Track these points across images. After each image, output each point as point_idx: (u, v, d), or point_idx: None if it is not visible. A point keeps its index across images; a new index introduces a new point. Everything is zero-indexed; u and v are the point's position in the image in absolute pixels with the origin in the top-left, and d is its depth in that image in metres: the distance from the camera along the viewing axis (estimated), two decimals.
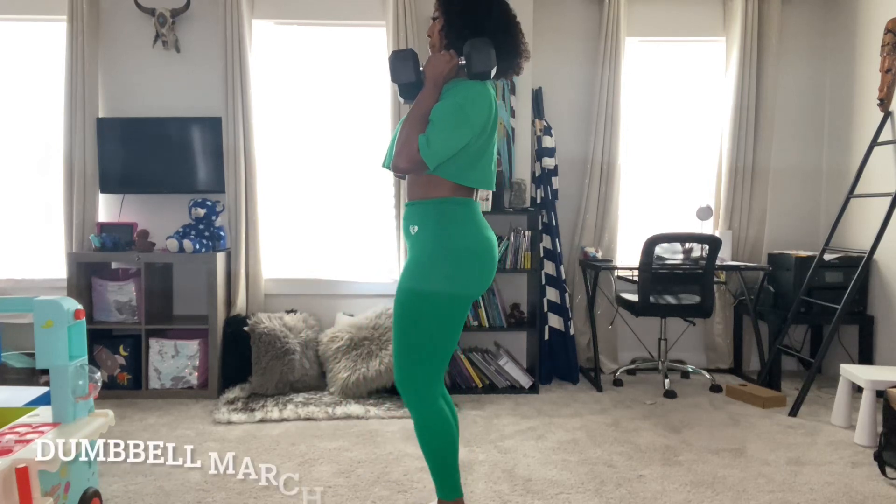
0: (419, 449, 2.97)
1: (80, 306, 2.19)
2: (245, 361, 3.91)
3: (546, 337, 4.19)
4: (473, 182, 2.03)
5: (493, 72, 1.99)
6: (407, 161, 1.93)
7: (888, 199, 3.73)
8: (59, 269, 4.17)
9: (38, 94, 4.24)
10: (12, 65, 4.24)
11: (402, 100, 2.18)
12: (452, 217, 2.01)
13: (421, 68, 2.06)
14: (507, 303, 4.26)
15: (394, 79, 2.09)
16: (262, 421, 3.39)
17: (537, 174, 4.29)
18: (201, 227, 3.98)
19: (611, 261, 4.32)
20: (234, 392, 3.77)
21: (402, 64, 2.06)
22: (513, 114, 4.22)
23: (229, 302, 4.08)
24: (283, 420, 3.41)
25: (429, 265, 1.99)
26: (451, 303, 2.00)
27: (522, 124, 4.24)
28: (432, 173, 1.99)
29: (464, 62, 1.97)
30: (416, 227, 2.03)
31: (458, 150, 1.95)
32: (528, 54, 2.11)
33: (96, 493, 2.20)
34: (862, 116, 4.25)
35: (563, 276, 4.24)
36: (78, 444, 2.02)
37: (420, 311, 1.99)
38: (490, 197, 4.00)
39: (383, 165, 2.19)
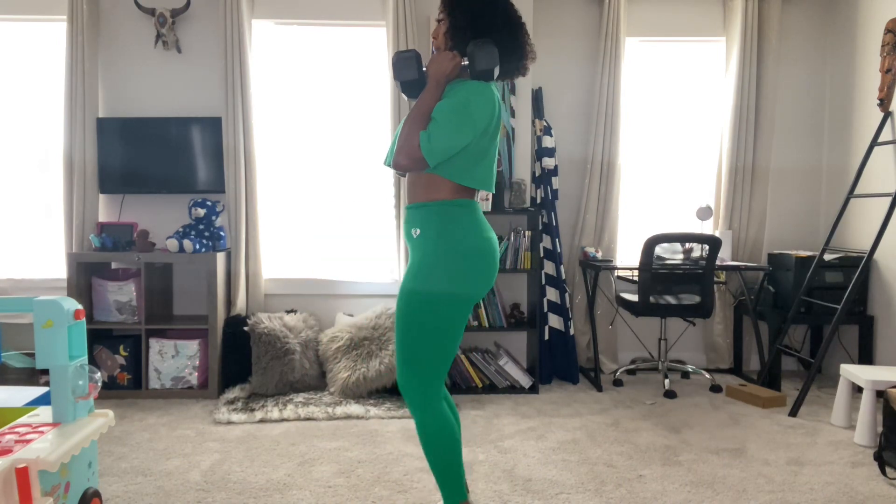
0: (419, 449, 2.99)
1: (80, 306, 2.20)
2: (245, 361, 3.92)
3: (546, 337, 4.19)
4: (474, 182, 2.02)
5: (496, 72, 1.99)
6: (407, 158, 1.92)
7: (888, 199, 3.74)
8: (59, 269, 4.18)
9: (38, 94, 4.25)
10: (12, 65, 4.24)
11: (405, 97, 2.19)
12: (454, 219, 2.00)
13: (424, 68, 2.07)
14: (507, 303, 4.26)
15: (396, 77, 2.10)
16: (262, 421, 3.40)
17: (537, 174, 4.29)
18: (201, 227, 3.98)
19: (611, 261, 4.32)
20: (234, 392, 3.78)
21: (405, 63, 2.08)
22: (513, 114, 4.22)
23: (229, 302, 4.08)
24: (283, 420, 3.41)
25: (432, 267, 1.98)
26: (454, 303, 1.99)
27: (522, 124, 4.24)
28: (433, 172, 1.99)
29: (467, 62, 1.99)
30: (418, 230, 2.02)
31: (460, 150, 1.95)
32: (534, 55, 2.12)
33: (96, 493, 2.19)
34: (862, 116, 4.25)
35: (563, 276, 4.24)
36: (78, 445, 2.03)
37: (423, 311, 1.97)
38: (490, 197, 4.01)
39: (384, 163, 2.19)
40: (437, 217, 2.00)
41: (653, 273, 3.92)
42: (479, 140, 1.98)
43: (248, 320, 3.92)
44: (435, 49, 2.13)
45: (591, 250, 4.30)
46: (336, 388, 3.76)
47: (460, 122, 1.91)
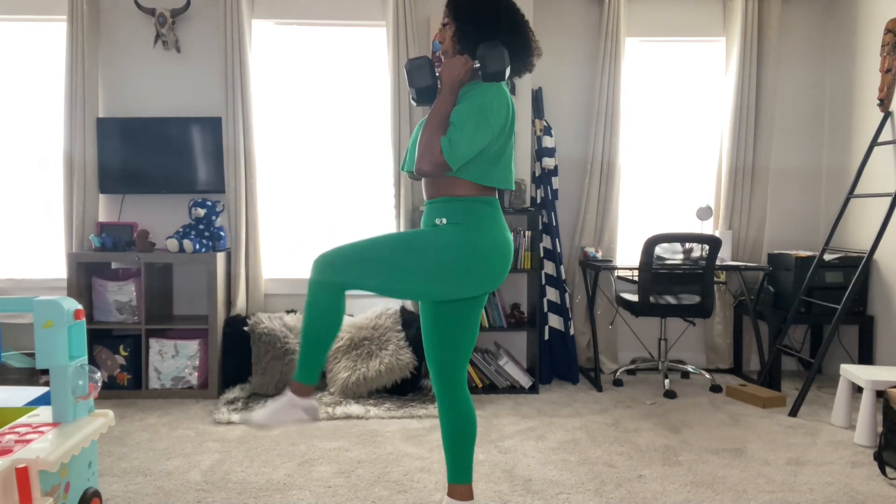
0: (419, 449, 2.99)
1: (80, 306, 2.19)
2: (245, 361, 3.91)
3: (546, 337, 4.19)
4: (494, 182, 2.05)
5: (507, 72, 2.02)
6: (430, 164, 1.95)
7: (888, 199, 3.74)
8: (59, 269, 4.18)
9: (38, 94, 4.25)
10: (12, 65, 4.24)
11: (414, 103, 2.24)
12: (479, 215, 2.02)
13: (437, 73, 2.11)
14: (507, 303, 4.26)
15: (412, 84, 2.14)
16: None
17: (537, 174, 4.29)
18: (201, 227, 3.98)
19: (611, 261, 4.32)
20: (235, 392, 3.78)
21: (419, 70, 2.12)
22: None
23: (229, 302, 4.08)
24: None
25: (451, 242, 1.98)
26: (450, 283, 1.98)
27: (522, 124, 4.24)
28: (454, 175, 2.02)
29: (478, 65, 2.02)
30: (444, 220, 2.04)
31: (479, 151, 1.99)
32: (540, 52, 2.16)
33: (96, 493, 2.19)
34: (862, 116, 4.25)
35: (563, 276, 4.24)
36: (78, 445, 2.03)
37: (426, 246, 1.96)
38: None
39: (403, 169, 2.22)
40: (463, 211, 2.02)
41: (653, 273, 3.92)
42: (495, 140, 2.02)
43: (248, 320, 3.92)
44: (442, 53, 2.16)
45: (591, 250, 4.30)
46: (336, 388, 3.76)
47: (479, 124, 1.95)
